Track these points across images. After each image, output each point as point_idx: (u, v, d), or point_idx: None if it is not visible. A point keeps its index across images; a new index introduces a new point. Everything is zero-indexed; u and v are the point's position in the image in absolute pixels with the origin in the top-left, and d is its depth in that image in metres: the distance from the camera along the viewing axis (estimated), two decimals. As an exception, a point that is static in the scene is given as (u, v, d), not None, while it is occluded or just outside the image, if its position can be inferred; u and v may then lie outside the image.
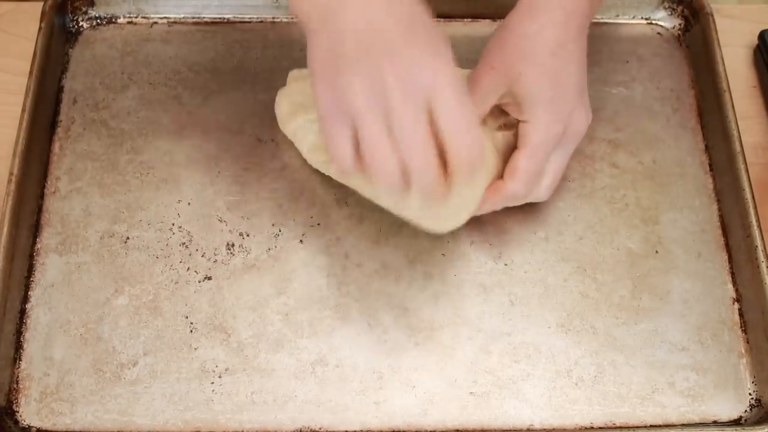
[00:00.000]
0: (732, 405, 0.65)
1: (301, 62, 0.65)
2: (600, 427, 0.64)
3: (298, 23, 0.60)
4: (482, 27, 0.81)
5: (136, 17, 0.81)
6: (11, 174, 0.69)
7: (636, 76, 0.79)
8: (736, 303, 0.69)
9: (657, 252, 0.70)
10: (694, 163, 0.75)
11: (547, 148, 0.64)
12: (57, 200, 0.72)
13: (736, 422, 0.65)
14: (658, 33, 0.82)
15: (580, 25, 0.65)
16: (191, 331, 0.66)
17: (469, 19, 0.81)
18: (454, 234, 0.69)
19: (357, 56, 0.55)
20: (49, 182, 0.72)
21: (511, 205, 0.68)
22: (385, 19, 0.56)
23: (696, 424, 0.64)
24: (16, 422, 0.63)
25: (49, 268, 0.69)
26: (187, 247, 0.70)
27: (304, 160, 0.72)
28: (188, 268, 0.69)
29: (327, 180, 0.71)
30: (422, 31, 0.56)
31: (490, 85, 0.64)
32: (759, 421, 0.64)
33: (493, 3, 0.81)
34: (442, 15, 0.81)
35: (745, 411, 0.65)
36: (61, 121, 0.75)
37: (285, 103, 0.72)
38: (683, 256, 0.70)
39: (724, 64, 0.76)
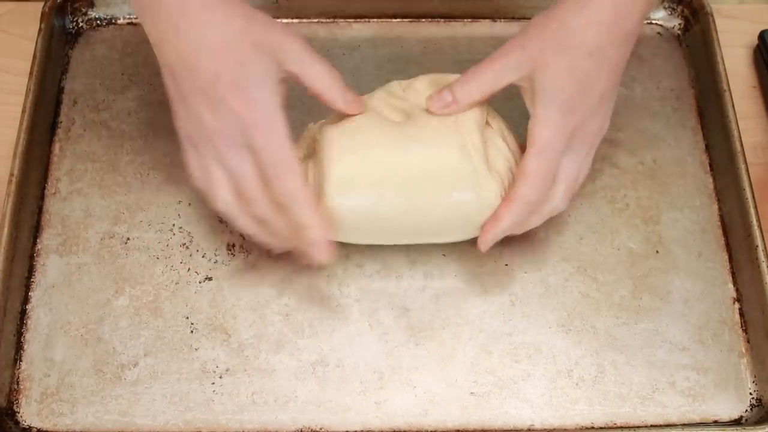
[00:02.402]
0: (732, 405, 0.65)
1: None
2: (601, 427, 0.64)
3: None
4: (482, 27, 0.81)
5: (136, 18, 0.80)
6: (11, 175, 0.69)
7: (636, 76, 0.79)
8: (736, 303, 0.69)
9: (657, 252, 0.70)
10: (694, 163, 0.75)
11: (556, 149, 0.61)
12: (57, 201, 0.72)
13: (737, 422, 0.65)
14: (658, 33, 0.82)
15: (630, 29, 0.62)
16: (192, 331, 0.66)
17: (469, 20, 0.81)
18: (454, 234, 0.70)
19: (183, 88, 0.59)
20: (49, 183, 0.72)
21: (533, 219, 0.64)
22: (213, 48, 0.57)
23: (696, 423, 0.64)
24: (17, 423, 0.63)
25: (50, 269, 0.69)
26: (187, 247, 0.70)
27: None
28: (189, 269, 0.69)
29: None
30: (251, 58, 0.58)
31: (514, 63, 0.61)
32: (759, 421, 0.64)
33: (493, 3, 0.81)
34: (442, 15, 0.81)
35: (746, 411, 0.65)
36: (61, 122, 0.75)
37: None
38: (684, 255, 0.70)
39: (724, 64, 0.76)
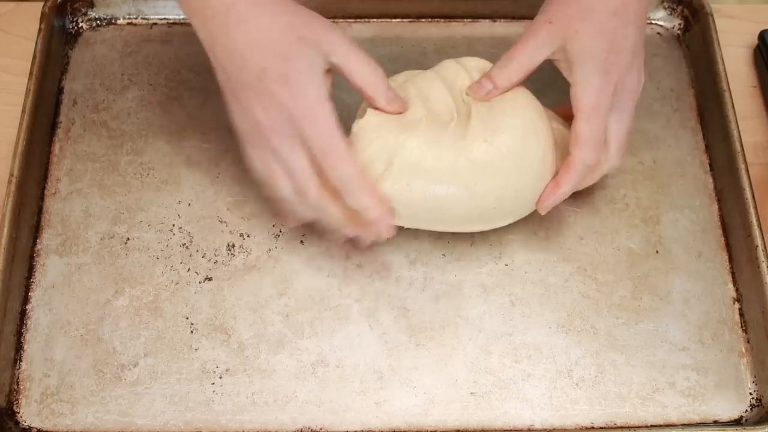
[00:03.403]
0: (733, 405, 0.65)
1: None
2: (601, 427, 0.64)
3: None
4: (482, 27, 0.81)
5: (136, 18, 0.81)
6: (11, 175, 0.69)
7: (636, 76, 0.79)
8: (736, 303, 0.69)
9: (657, 252, 0.70)
10: (694, 163, 0.75)
11: (602, 110, 0.64)
12: (57, 201, 0.72)
13: (737, 422, 0.65)
14: (658, 33, 0.82)
15: None
16: (192, 331, 0.66)
17: (469, 20, 0.81)
18: (454, 234, 0.70)
19: (235, 85, 0.61)
20: (49, 183, 0.72)
21: (589, 179, 0.67)
22: (260, 44, 0.60)
23: (696, 423, 0.64)
24: (17, 423, 0.63)
25: (50, 269, 0.69)
26: (187, 247, 0.70)
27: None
28: (189, 269, 0.69)
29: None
30: (297, 52, 0.60)
31: (545, 39, 0.64)
32: (760, 421, 0.64)
33: (492, 3, 0.81)
34: (442, 15, 0.81)
35: (746, 411, 0.65)
36: (61, 123, 0.75)
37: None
38: (684, 256, 0.70)
39: (724, 64, 0.76)
